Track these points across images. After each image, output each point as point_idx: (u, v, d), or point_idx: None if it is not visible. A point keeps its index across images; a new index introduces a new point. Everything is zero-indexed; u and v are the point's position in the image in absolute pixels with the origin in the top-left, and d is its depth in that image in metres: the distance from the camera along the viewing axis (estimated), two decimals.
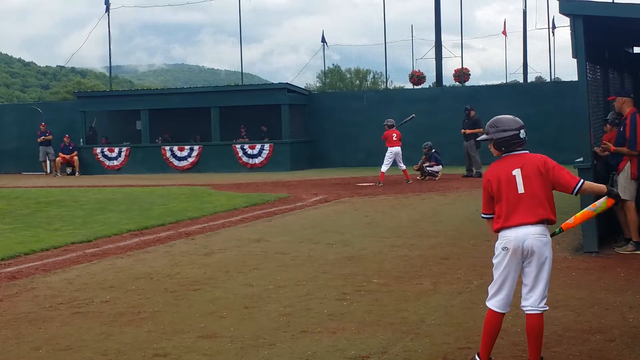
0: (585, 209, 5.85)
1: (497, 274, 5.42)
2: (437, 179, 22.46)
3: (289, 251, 10.88)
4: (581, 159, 10.10)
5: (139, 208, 16.88)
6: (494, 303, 5.46)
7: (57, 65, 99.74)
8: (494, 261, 5.44)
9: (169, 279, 9.14)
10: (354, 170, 27.96)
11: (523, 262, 5.36)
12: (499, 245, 5.40)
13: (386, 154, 21.69)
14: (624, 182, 10.08)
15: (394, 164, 21.74)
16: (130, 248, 11.64)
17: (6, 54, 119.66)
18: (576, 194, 5.44)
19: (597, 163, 10.35)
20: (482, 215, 5.58)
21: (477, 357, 5.59)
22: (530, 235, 5.28)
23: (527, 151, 5.48)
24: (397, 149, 21.62)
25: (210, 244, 11.83)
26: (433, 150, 23.17)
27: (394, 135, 21.74)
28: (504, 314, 5.49)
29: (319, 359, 5.97)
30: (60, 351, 6.36)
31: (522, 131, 5.41)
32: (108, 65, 40.18)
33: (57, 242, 12.21)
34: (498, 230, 5.40)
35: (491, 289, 5.49)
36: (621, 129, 10.22)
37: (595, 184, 5.70)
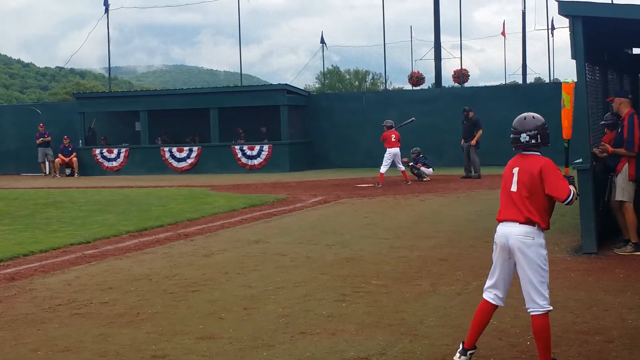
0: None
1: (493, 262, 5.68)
2: (423, 179, 22.46)
3: (287, 252, 10.88)
4: (580, 160, 10.10)
5: (137, 209, 16.87)
6: (485, 291, 5.70)
7: (56, 66, 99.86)
8: None
9: (168, 280, 9.14)
10: (353, 171, 27.96)
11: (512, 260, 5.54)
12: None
13: (385, 155, 21.71)
14: (622, 184, 10.08)
15: (393, 165, 21.77)
16: (129, 249, 11.64)
17: (5, 55, 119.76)
18: (568, 204, 5.51)
19: (596, 164, 10.35)
20: None
21: (460, 345, 5.70)
22: (513, 234, 5.43)
23: (539, 153, 5.62)
24: (396, 150, 21.66)
25: (209, 245, 11.82)
26: (421, 155, 23.33)
27: (393, 136, 21.77)
28: (495, 306, 5.67)
29: None
30: (59, 352, 6.35)
31: (523, 135, 5.54)
32: (107, 66, 40.21)
33: (55, 243, 12.20)
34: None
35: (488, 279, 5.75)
36: (619, 130, 10.23)
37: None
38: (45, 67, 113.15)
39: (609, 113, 11.01)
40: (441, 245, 11.08)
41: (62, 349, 6.45)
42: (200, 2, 40.87)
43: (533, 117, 5.63)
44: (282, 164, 29.57)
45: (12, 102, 71.60)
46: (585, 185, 10.02)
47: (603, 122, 11.10)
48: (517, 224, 5.43)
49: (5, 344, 6.63)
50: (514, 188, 5.49)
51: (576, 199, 5.58)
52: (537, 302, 5.43)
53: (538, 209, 5.44)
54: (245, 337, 6.61)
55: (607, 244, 10.40)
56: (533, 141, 5.55)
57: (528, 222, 5.41)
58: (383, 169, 21.57)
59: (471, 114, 23.40)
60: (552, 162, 5.55)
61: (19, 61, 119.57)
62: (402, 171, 21.88)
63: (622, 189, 10.08)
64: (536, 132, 5.56)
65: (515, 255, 5.45)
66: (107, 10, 35.78)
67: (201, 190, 21.18)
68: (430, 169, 23.25)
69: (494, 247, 5.61)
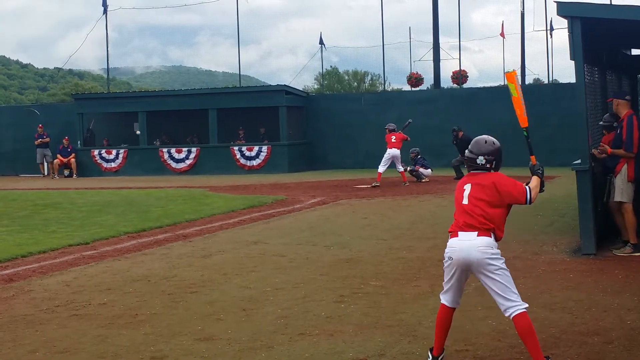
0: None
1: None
2: (422, 181, 22.51)
3: (286, 253, 10.87)
4: (579, 161, 10.10)
5: (136, 210, 16.86)
6: (443, 296, 5.83)
7: (54, 67, 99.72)
8: None
9: (167, 282, 9.13)
10: (351, 172, 27.95)
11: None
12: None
13: (384, 155, 21.76)
14: (621, 185, 10.08)
15: (392, 166, 21.80)
16: (127, 250, 11.63)
17: (3, 56, 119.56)
18: (531, 203, 5.66)
19: (595, 165, 10.35)
20: None
21: (430, 355, 5.73)
22: (475, 247, 5.47)
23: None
24: (395, 151, 21.72)
25: (207, 246, 11.81)
26: (420, 156, 23.44)
27: (393, 137, 21.89)
28: (454, 309, 5.79)
29: None
30: (57, 354, 6.35)
31: (480, 157, 5.66)
32: (105, 67, 40.12)
33: (54, 244, 12.19)
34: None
35: None
36: (618, 131, 10.23)
37: (533, 182, 5.82)
38: (44, 68, 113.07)
39: (607, 114, 11.02)
40: (440, 246, 11.03)
41: (60, 350, 6.44)
42: (199, 3, 40.85)
43: (493, 143, 5.75)
44: (280, 165, 29.56)
45: (11, 103, 71.55)
46: (584, 187, 10.02)
47: (601, 123, 11.10)
48: (475, 235, 5.48)
49: (3, 345, 6.62)
50: (465, 201, 5.59)
51: (542, 190, 5.78)
52: (515, 301, 5.47)
53: (493, 220, 5.54)
54: (244, 338, 6.60)
55: (606, 245, 10.40)
56: (488, 165, 5.68)
57: (485, 234, 5.50)
58: (381, 168, 21.61)
59: (461, 134, 23.25)
60: (502, 174, 5.71)
61: (17, 62, 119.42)
62: (401, 172, 21.91)
63: (621, 190, 10.07)
64: (492, 157, 5.69)
65: (478, 268, 5.48)
66: (105, 11, 35.73)
67: (200, 191, 21.18)
68: (429, 170, 23.30)
69: (449, 262, 5.58)
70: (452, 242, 5.59)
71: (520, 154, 31.80)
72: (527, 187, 5.65)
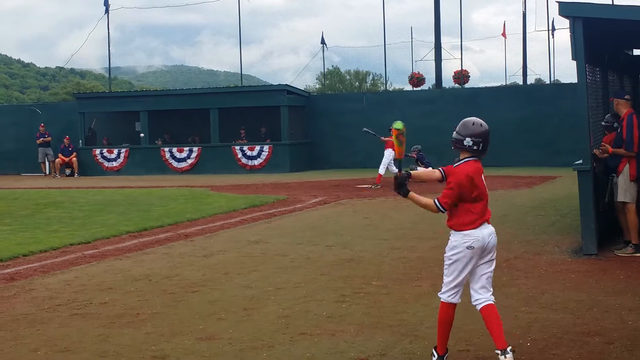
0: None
1: None
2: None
3: (288, 253, 10.87)
4: (580, 162, 10.09)
5: (137, 209, 16.86)
6: (450, 296, 5.79)
7: (56, 67, 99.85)
8: None
9: (168, 281, 9.13)
10: (353, 171, 27.96)
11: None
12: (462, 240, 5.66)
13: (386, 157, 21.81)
14: (623, 184, 10.08)
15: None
16: (129, 250, 11.63)
17: (5, 55, 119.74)
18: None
19: (597, 165, 10.35)
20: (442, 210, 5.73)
21: (434, 351, 5.71)
22: (493, 235, 5.65)
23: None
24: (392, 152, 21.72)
25: (209, 245, 11.82)
26: (421, 153, 23.45)
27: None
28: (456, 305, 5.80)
29: None
30: (59, 353, 6.35)
31: (467, 139, 5.54)
32: (107, 66, 40.19)
33: (55, 243, 12.19)
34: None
35: None
36: (619, 131, 10.23)
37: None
38: (46, 67, 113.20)
39: (608, 115, 11.01)
40: (441, 246, 10.96)
41: (61, 349, 6.44)
42: (201, 3, 40.86)
43: (481, 124, 5.59)
44: (282, 165, 29.57)
45: (13, 102, 71.60)
46: (586, 187, 10.02)
47: (603, 123, 11.10)
48: (487, 224, 5.61)
49: (4, 344, 6.62)
50: (487, 192, 5.62)
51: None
52: (491, 291, 5.67)
53: (453, 213, 5.66)
54: (245, 337, 6.60)
55: (607, 245, 10.39)
56: (475, 147, 5.56)
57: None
58: (382, 169, 21.60)
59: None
60: None
61: (19, 61, 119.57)
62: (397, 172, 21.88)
63: (624, 190, 10.07)
64: (480, 139, 5.56)
65: (488, 253, 5.60)
66: (107, 11, 35.76)
67: (201, 191, 21.18)
68: (430, 168, 23.18)
69: (467, 252, 5.55)
70: (472, 231, 5.54)
71: (522, 154, 31.92)
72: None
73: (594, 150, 10.32)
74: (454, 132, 5.64)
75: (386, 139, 21.71)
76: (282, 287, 8.57)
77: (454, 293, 5.71)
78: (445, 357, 5.72)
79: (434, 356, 5.73)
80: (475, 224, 5.56)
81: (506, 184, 20.42)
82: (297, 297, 8.06)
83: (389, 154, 21.63)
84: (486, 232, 5.57)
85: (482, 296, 5.64)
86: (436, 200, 5.63)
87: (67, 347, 6.48)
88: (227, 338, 6.60)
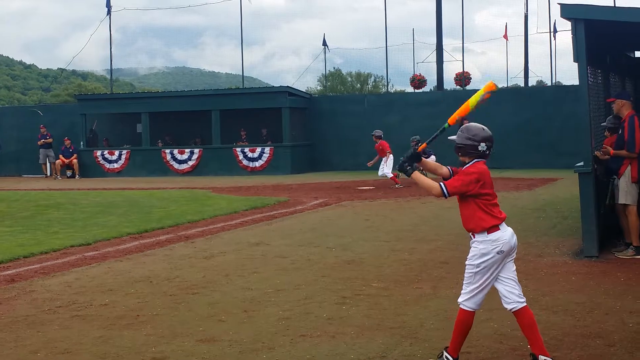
0: (465, 103, 5.92)
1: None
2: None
3: (288, 255, 10.86)
4: (582, 164, 10.09)
5: (138, 211, 16.86)
6: (472, 303, 5.67)
7: (58, 68, 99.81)
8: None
9: (168, 283, 9.12)
10: (354, 173, 27.97)
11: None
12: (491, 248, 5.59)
13: (388, 161, 21.89)
14: (625, 186, 10.06)
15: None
16: (129, 251, 11.62)
17: (7, 57, 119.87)
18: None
19: (598, 167, 10.33)
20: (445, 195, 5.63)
21: (445, 352, 5.67)
22: (514, 234, 5.62)
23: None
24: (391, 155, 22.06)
25: (209, 247, 11.81)
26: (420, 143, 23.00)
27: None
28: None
29: None
30: (59, 354, 6.34)
31: (482, 144, 5.61)
32: (109, 68, 40.18)
33: (56, 245, 12.19)
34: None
35: None
36: (620, 132, 10.22)
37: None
38: (47, 69, 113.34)
39: (610, 116, 11.00)
40: (442, 249, 11.06)
41: (61, 350, 6.43)
42: (203, 4, 40.90)
43: (487, 129, 5.70)
44: (283, 166, 29.57)
45: (14, 104, 71.69)
46: (587, 189, 10.01)
47: (604, 124, 11.09)
48: (505, 225, 5.63)
49: (5, 346, 6.61)
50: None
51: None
52: (521, 294, 5.61)
53: (471, 216, 5.62)
54: (245, 339, 6.59)
55: (608, 247, 10.38)
56: (487, 152, 5.65)
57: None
58: (389, 171, 21.64)
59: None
60: None
61: (20, 62, 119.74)
62: (393, 175, 21.95)
63: (625, 191, 10.06)
64: (490, 144, 5.65)
65: (510, 255, 5.58)
66: (109, 12, 35.79)
67: (202, 193, 21.18)
68: (433, 157, 22.73)
69: (498, 256, 5.50)
70: (500, 235, 5.52)
71: (523, 156, 31.85)
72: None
73: (596, 152, 10.31)
74: (464, 138, 5.65)
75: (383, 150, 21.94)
76: (282, 289, 8.56)
77: (474, 296, 5.61)
78: None
79: (449, 358, 5.65)
80: (499, 227, 5.55)
81: (507, 186, 20.41)
82: (297, 299, 8.05)
83: (391, 156, 21.69)
84: (509, 233, 5.58)
85: (516, 293, 5.59)
86: (442, 184, 5.57)
87: (67, 349, 6.47)
88: (228, 340, 6.59)
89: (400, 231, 12.99)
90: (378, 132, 22.77)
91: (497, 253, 5.49)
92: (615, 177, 10.25)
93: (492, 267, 5.53)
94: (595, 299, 7.70)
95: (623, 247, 10.21)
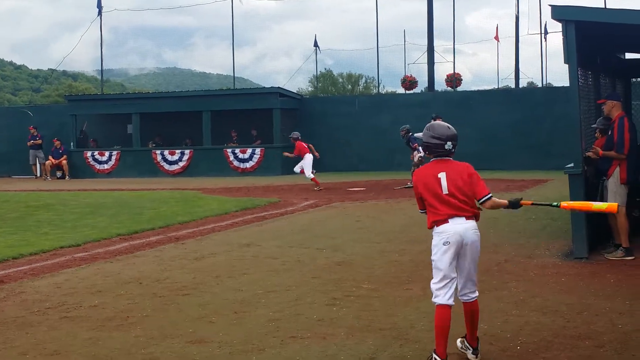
0: (587, 202, 6.32)
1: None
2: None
3: (279, 256, 10.85)
4: (572, 165, 10.10)
5: (128, 212, 16.81)
6: (442, 297, 5.86)
7: (48, 69, 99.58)
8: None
9: (158, 284, 9.10)
10: (345, 174, 27.97)
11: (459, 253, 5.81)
12: (437, 239, 5.82)
13: (306, 162, 22.57)
14: (614, 187, 10.09)
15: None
16: (119, 252, 11.59)
17: None
18: (479, 204, 5.88)
19: (588, 169, 10.35)
20: (419, 211, 6.13)
21: (434, 354, 5.74)
22: (470, 230, 5.77)
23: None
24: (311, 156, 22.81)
25: (200, 248, 11.79)
26: (411, 134, 22.63)
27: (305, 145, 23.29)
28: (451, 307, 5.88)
29: None
30: (48, 356, 6.32)
31: (449, 143, 5.85)
32: (99, 68, 40.10)
33: (46, 246, 12.15)
34: (432, 224, 5.90)
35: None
36: (609, 133, 10.25)
37: (500, 200, 6.03)
38: (38, 69, 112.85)
39: (601, 118, 11.03)
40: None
41: (51, 352, 6.41)
42: (194, 5, 40.87)
43: (450, 127, 5.92)
44: (274, 168, 29.54)
45: (4, 104, 71.34)
46: (577, 190, 10.02)
47: (594, 125, 11.11)
48: (464, 220, 5.75)
49: None
50: (445, 191, 5.77)
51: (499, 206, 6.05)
52: (475, 286, 5.95)
53: (473, 206, 5.83)
54: (235, 341, 6.58)
55: (598, 248, 10.40)
56: (453, 150, 5.89)
57: (472, 217, 5.81)
58: (310, 172, 22.38)
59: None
60: (472, 167, 5.95)
61: (11, 63, 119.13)
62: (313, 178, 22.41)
63: (614, 193, 10.08)
64: (456, 142, 5.91)
65: (465, 248, 5.76)
66: (100, 13, 35.67)
67: (193, 194, 21.13)
68: (422, 153, 22.52)
69: (445, 248, 5.72)
70: (445, 227, 5.75)
71: (514, 157, 31.83)
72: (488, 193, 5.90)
73: (587, 153, 10.33)
74: (429, 137, 5.91)
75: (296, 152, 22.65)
76: (273, 290, 8.55)
77: (447, 292, 5.83)
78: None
79: (469, 349, 5.96)
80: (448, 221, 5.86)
81: (498, 187, 20.42)
82: (288, 300, 8.04)
83: (308, 157, 22.53)
84: (460, 227, 5.82)
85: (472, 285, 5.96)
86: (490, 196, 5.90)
87: (56, 351, 6.45)
88: (218, 341, 6.58)
89: (391, 232, 13.00)
90: (295, 134, 23.46)
91: (447, 242, 5.72)
92: (605, 178, 10.27)
93: (445, 255, 5.74)
94: (584, 300, 7.71)
95: (613, 248, 10.23)
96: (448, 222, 5.73)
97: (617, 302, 7.59)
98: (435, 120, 22.93)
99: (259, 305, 7.90)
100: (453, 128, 5.90)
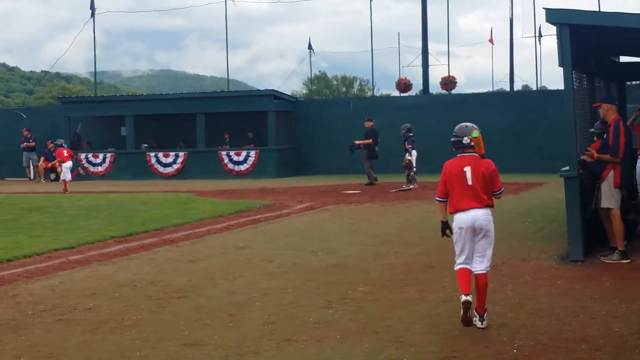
0: None
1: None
2: (410, 187, 21.94)
3: (274, 259, 10.83)
4: (567, 168, 10.11)
5: (122, 214, 16.76)
6: (461, 265, 6.97)
7: (41, 70, 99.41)
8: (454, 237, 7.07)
9: (153, 287, 9.08)
10: (340, 177, 27.96)
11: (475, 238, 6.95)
12: (454, 225, 6.99)
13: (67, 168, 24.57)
14: (607, 191, 10.09)
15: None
16: (113, 255, 11.56)
17: None
18: (495, 195, 7.07)
19: (583, 172, 10.35)
20: (437, 198, 7.24)
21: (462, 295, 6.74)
22: (480, 217, 6.88)
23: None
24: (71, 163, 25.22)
25: (194, 251, 11.76)
26: (411, 134, 22.66)
27: (65, 152, 25.59)
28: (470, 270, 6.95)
29: None
30: (42, 359, 6.29)
31: (466, 138, 6.96)
32: (93, 70, 40.00)
33: (39, 248, 12.10)
34: (453, 213, 7.02)
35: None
36: (605, 137, 10.25)
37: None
38: (31, 71, 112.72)
39: (598, 122, 11.04)
40: (427, 252, 11.06)
41: (45, 355, 6.38)
42: (187, 7, 40.86)
43: (470, 125, 6.98)
44: (269, 170, 29.52)
45: None
46: (572, 193, 10.03)
47: (592, 129, 11.12)
48: (478, 209, 6.88)
49: None
50: (470, 182, 6.89)
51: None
52: (489, 263, 7.00)
53: (490, 196, 6.99)
54: (230, 344, 6.56)
55: (593, 251, 10.40)
56: (473, 144, 6.96)
57: (487, 206, 6.94)
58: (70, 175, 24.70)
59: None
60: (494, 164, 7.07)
61: (3, 65, 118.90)
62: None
63: (608, 196, 10.09)
64: (472, 137, 6.96)
65: (480, 232, 6.90)
66: (93, 14, 35.60)
67: (187, 196, 21.09)
68: (415, 153, 22.46)
69: (459, 231, 6.90)
70: (459, 216, 6.92)
71: (509, 160, 31.90)
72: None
73: (582, 156, 10.34)
74: (452, 136, 7.05)
75: None
76: (268, 293, 8.53)
77: (461, 263, 7.06)
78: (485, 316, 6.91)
79: (476, 316, 6.88)
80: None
81: None
82: (283, 303, 8.02)
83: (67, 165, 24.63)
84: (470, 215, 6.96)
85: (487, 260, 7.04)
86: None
87: (50, 353, 6.42)
88: (213, 344, 6.56)
89: (386, 235, 12.99)
90: (59, 141, 26.03)
91: (460, 227, 6.92)
92: (599, 181, 10.27)
93: (460, 237, 6.94)
94: (580, 303, 7.71)
95: (609, 251, 10.23)
96: (464, 211, 6.87)
97: (613, 305, 7.58)
98: (366, 122, 23.58)
99: (254, 308, 7.88)
100: (471, 125, 6.94)
